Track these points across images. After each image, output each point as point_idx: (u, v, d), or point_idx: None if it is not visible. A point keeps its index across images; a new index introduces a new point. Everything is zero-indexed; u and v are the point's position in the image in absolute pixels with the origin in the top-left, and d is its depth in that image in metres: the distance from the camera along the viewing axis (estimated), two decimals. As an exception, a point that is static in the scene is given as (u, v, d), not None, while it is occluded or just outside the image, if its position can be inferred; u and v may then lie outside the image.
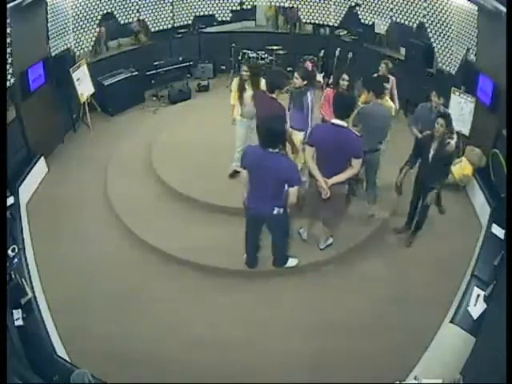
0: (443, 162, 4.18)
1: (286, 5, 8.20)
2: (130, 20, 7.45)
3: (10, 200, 4.71)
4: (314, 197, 4.02)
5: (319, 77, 8.12)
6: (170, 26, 7.88)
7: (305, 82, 4.42)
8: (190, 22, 8.11)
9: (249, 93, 4.63)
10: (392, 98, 5.17)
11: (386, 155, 4.69)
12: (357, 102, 4.26)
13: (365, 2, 7.38)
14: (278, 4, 8.30)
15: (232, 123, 4.96)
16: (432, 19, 6.57)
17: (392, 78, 5.36)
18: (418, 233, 4.64)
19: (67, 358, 3.42)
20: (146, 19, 7.59)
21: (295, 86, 4.49)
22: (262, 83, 4.60)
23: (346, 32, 8.06)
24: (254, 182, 3.56)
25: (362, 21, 7.57)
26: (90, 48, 7.03)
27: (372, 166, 4.55)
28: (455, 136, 4.50)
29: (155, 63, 7.62)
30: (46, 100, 5.93)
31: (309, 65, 5.20)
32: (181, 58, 7.90)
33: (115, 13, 7.17)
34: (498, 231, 4.26)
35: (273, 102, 4.22)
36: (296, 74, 4.44)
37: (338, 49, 7.76)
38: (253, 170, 3.50)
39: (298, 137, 4.53)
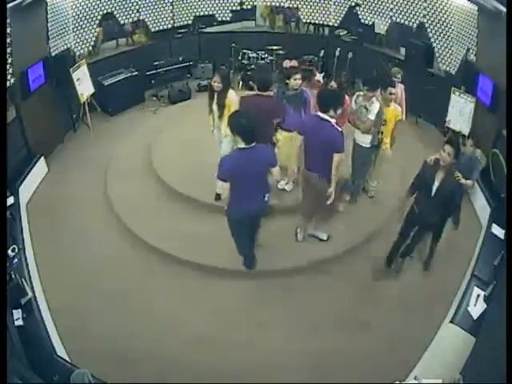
0: (449, 198, 3.61)
1: (286, 5, 8.20)
2: (130, 20, 7.45)
3: (10, 200, 4.71)
4: (307, 197, 4.15)
5: (319, 77, 8.12)
6: (170, 26, 7.87)
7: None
8: (190, 22, 8.10)
9: (215, 107, 4.44)
10: (400, 104, 5.05)
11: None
12: (344, 97, 4.27)
13: (365, 2, 7.38)
14: (275, 4, 8.30)
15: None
16: (432, 19, 6.57)
17: (401, 86, 5.18)
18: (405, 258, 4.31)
19: (67, 358, 3.43)
20: (146, 19, 7.59)
21: (294, 87, 4.39)
22: (231, 96, 4.35)
23: (346, 32, 8.06)
24: (245, 184, 3.49)
25: (362, 21, 7.56)
26: (90, 48, 7.03)
27: (369, 162, 4.75)
28: (471, 182, 4.36)
29: (155, 63, 7.62)
30: (46, 100, 5.93)
31: (289, 62, 5.09)
32: (181, 58, 7.90)
33: (115, 13, 7.16)
34: (498, 231, 4.27)
35: (271, 100, 4.24)
36: (297, 75, 4.35)
37: (338, 49, 7.77)
38: (240, 174, 3.41)
39: (298, 139, 4.33)
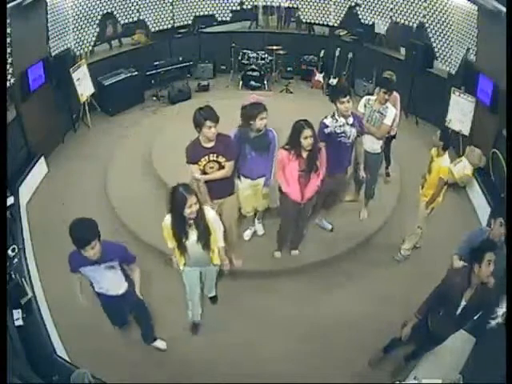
0: (474, 313, 2.88)
1: (286, 5, 8.20)
2: (130, 20, 7.44)
3: (10, 200, 4.70)
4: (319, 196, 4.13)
5: (319, 77, 8.14)
6: (169, 26, 7.87)
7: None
8: (190, 22, 8.09)
9: (193, 238, 3.03)
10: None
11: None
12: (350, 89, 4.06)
13: (365, 2, 7.38)
14: (272, 4, 8.29)
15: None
16: (432, 19, 6.57)
17: (395, 95, 4.73)
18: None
19: (67, 358, 3.43)
20: (146, 19, 7.58)
21: (259, 128, 3.67)
22: (210, 214, 3.09)
23: (346, 32, 8.06)
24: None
25: (362, 21, 7.56)
26: (90, 48, 7.03)
27: (380, 167, 4.82)
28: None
29: (155, 63, 7.61)
30: (46, 100, 5.94)
31: (254, 97, 3.97)
32: (181, 58, 7.89)
33: (115, 13, 7.16)
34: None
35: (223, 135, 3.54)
36: (263, 114, 3.60)
37: (338, 49, 7.78)
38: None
39: (260, 184, 4.01)
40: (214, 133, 3.38)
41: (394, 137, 5.12)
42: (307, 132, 3.45)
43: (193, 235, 3.01)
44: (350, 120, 3.88)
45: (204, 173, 3.54)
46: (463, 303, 2.75)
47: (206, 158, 3.48)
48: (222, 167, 3.55)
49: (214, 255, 3.26)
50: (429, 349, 3.26)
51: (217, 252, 3.27)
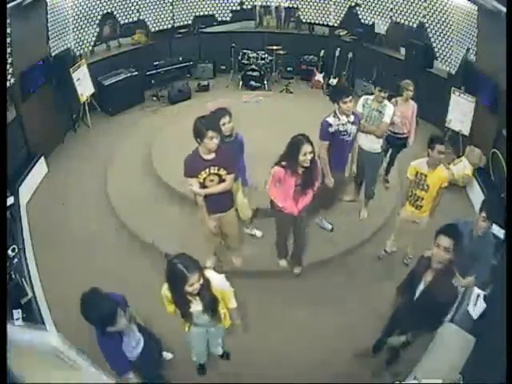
0: (433, 306, 2.64)
1: (286, 5, 8.21)
2: (130, 20, 7.45)
3: (10, 200, 4.71)
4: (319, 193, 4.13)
5: (319, 77, 8.14)
6: (169, 26, 7.88)
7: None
8: (190, 22, 8.11)
9: (198, 308, 2.66)
10: (410, 127, 4.91)
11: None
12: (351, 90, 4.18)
13: (365, 2, 7.38)
14: (270, 4, 8.30)
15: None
16: (432, 19, 6.58)
17: (413, 104, 4.84)
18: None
19: (67, 358, 3.42)
20: (146, 19, 7.59)
21: (226, 133, 3.57)
22: (217, 281, 2.71)
23: (346, 32, 8.07)
24: None
25: (362, 21, 7.57)
26: (90, 48, 7.03)
27: (380, 166, 4.90)
28: (471, 280, 3.13)
29: (155, 63, 7.63)
30: (46, 100, 5.94)
31: (213, 106, 3.84)
32: (181, 58, 7.91)
33: (115, 13, 7.17)
34: (498, 231, 4.26)
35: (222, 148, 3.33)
36: (226, 118, 3.51)
37: (338, 49, 7.79)
38: None
39: (238, 186, 4.03)
40: (217, 143, 3.16)
41: (405, 145, 5.11)
42: (307, 148, 3.25)
43: (198, 306, 2.63)
44: (351, 118, 3.95)
45: (203, 186, 3.36)
46: (422, 287, 2.69)
47: (207, 170, 3.27)
48: (222, 180, 3.36)
49: (225, 320, 2.89)
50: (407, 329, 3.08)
51: (227, 315, 2.89)
